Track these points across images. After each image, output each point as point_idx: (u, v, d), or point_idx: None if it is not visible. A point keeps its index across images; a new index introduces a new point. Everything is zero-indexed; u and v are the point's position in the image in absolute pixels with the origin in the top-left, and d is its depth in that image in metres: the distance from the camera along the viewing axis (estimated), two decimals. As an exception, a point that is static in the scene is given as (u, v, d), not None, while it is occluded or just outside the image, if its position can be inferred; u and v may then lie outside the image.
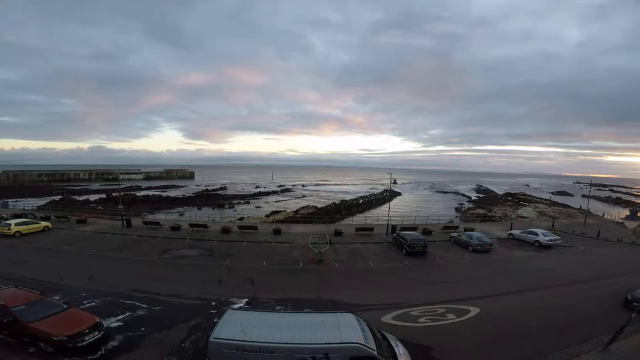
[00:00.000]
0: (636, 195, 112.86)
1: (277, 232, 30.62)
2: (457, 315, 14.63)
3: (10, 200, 55.98)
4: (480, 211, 59.72)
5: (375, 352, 9.14)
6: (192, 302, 15.68)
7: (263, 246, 26.64)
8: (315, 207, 63.30)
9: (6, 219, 30.59)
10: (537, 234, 29.21)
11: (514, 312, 15.18)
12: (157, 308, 14.86)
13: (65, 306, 12.63)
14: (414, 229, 31.67)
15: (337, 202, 73.40)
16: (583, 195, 66.64)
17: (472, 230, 31.34)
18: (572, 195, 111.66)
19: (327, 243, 23.69)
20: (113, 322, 13.34)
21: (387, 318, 14.28)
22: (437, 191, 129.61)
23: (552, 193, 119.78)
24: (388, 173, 61.93)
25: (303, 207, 63.05)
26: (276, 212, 56.25)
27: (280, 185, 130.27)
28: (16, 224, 27.79)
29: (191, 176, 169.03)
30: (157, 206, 63.03)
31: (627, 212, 56.08)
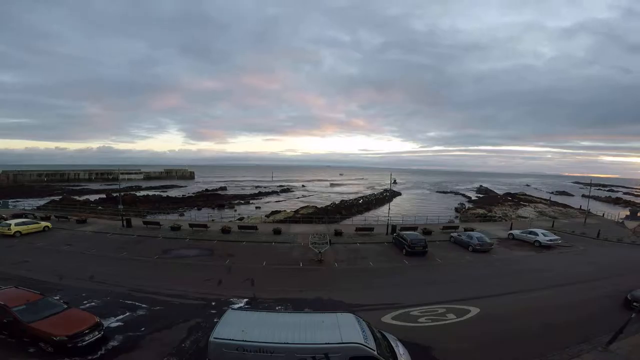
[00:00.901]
0: (636, 195, 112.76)
1: (277, 232, 30.62)
2: (457, 315, 14.64)
3: (10, 200, 56.05)
4: (480, 211, 59.65)
5: (375, 352, 9.14)
6: (192, 302, 15.69)
7: (263, 246, 26.65)
8: (315, 207, 63.24)
9: (6, 219, 30.60)
10: (537, 234, 29.21)
11: (514, 312, 15.20)
12: (157, 308, 14.87)
13: (65, 306, 12.63)
14: (414, 229, 31.68)
15: (337, 202, 73.35)
16: (583, 195, 66.64)
17: (472, 230, 31.36)
18: (572, 195, 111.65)
19: (327, 243, 23.70)
20: (113, 322, 13.34)
21: (387, 318, 14.28)
22: (437, 191, 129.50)
23: (552, 193, 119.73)
24: (389, 173, 61.90)
25: (303, 207, 62.99)
26: (276, 212, 56.22)
27: (280, 185, 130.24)
28: (16, 224, 27.80)
29: (191, 176, 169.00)
30: (157, 206, 63.00)
31: (627, 212, 56.08)
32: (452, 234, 30.10)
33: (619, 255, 26.66)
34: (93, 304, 15.02)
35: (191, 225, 32.63)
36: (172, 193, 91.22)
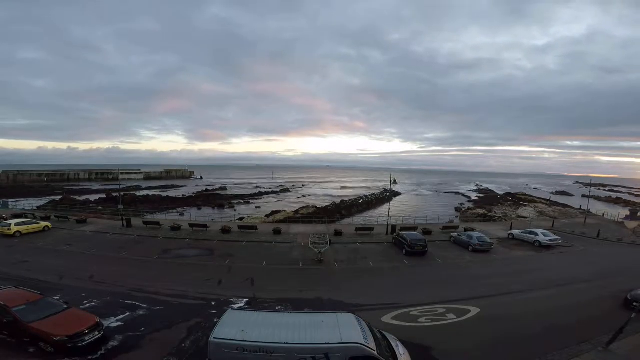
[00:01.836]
0: (636, 196, 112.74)
1: (277, 232, 30.62)
2: (457, 315, 14.63)
3: (10, 200, 55.98)
4: (480, 211, 59.67)
5: (375, 352, 9.14)
6: (192, 302, 15.68)
7: (263, 246, 26.65)
8: (315, 207, 63.24)
9: (6, 219, 30.59)
10: (537, 234, 29.20)
11: (513, 312, 15.19)
12: (157, 308, 14.86)
13: (65, 306, 12.61)
14: (414, 229, 31.67)
15: (337, 202, 73.36)
16: (583, 195, 66.59)
17: (472, 230, 31.35)
18: (572, 195, 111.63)
19: (327, 243, 23.70)
20: (113, 322, 13.33)
21: (387, 318, 14.27)
22: (437, 191, 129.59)
23: (552, 193, 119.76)
24: (388, 173, 61.89)
25: (303, 207, 63.01)
26: (276, 212, 56.23)
27: (280, 185, 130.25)
28: (16, 224, 27.78)
29: (191, 176, 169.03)
30: (157, 206, 63.01)
31: (627, 212, 56.09)
32: (452, 234, 30.10)
33: (619, 255, 26.66)
34: (93, 304, 15.01)
35: (191, 225, 32.63)
36: (172, 193, 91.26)
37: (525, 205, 69.40)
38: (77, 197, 71.35)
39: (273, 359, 8.89)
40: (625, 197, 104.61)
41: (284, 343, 8.99)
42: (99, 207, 53.14)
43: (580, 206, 61.61)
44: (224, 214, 58.07)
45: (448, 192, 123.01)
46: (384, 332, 11.23)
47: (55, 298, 13.61)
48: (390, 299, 16.42)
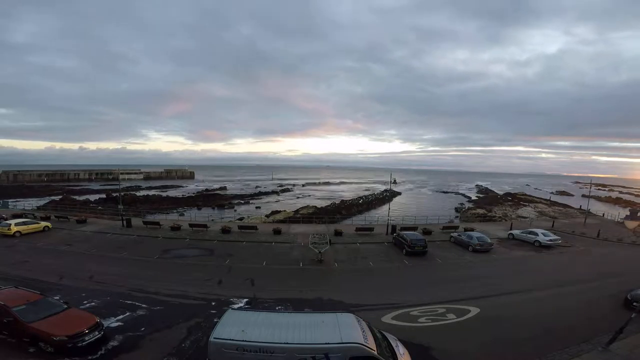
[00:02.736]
0: (636, 196, 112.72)
1: (277, 232, 30.62)
2: (457, 315, 14.64)
3: (10, 200, 56.04)
4: (480, 211, 59.66)
5: (375, 352, 9.14)
6: (192, 302, 15.69)
7: (263, 246, 26.64)
8: (315, 207, 63.27)
9: (6, 219, 30.58)
10: (537, 234, 29.21)
11: (513, 312, 15.19)
12: (157, 308, 14.86)
13: (65, 306, 12.61)
14: (414, 229, 31.67)
15: (337, 202, 73.38)
16: (583, 195, 66.57)
17: (472, 230, 31.34)
18: (572, 195, 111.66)
19: (327, 243, 23.68)
20: (113, 322, 13.34)
21: (387, 318, 14.28)
22: (437, 191, 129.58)
23: (552, 193, 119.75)
24: (388, 173, 61.90)
25: (303, 207, 63.02)
26: (276, 212, 56.24)
27: (280, 185, 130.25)
28: (16, 224, 27.78)
29: (191, 176, 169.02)
30: (157, 206, 63.02)
31: (627, 212, 56.05)
32: (452, 234, 30.09)
33: (619, 255, 26.65)
34: (93, 304, 15.00)
35: (191, 225, 32.63)
36: (172, 193, 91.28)
37: (525, 205, 69.41)
38: (77, 197, 71.37)
39: (273, 359, 8.88)
40: (625, 197, 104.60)
41: (284, 343, 8.99)
42: (99, 207, 53.16)
43: (580, 206, 61.61)
44: (224, 214, 58.12)
45: (448, 192, 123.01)
46: (384, 332, 11.23)
47: (55, 298, 13.62)
48: (390, 299, 16.42)
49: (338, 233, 30.72)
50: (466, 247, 26.95)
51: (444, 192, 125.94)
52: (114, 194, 67.52)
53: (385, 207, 58.87)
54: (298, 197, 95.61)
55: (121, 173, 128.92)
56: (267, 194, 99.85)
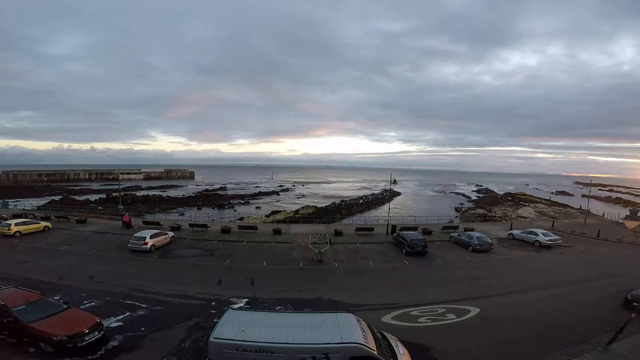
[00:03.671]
0: (636, 196, 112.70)
1: (277, 232, 30.63)
2: (457, 315, 14.64)
3: (10, 200, 56.03)
4: (480, 211, 59.67)
5: (375, 352, 9.14)
6: (192, 302, 15.69)
7: (263, 246, 26.65)
8: (315, 207, 63.25)
9: (6, 219, 30.59)
10: (537, 234, 29.21)
11: (513, 312, 15.19)
12: (157, 308, 14.87)
13: (65, 306, 12.62)
14: (414, 229, 31.66)
15: (337, 202, 73.33)
16: (583, 195, 66.58)
17: (472, 230, 31.35)
18: (572, 195, 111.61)
19: (327, 243, 23.69)
20: (113, 322, 13.34)
21: (387, 318, 14.28)
22: (437, 191, 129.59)
23: (552, 193, 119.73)
24: (388, 173, 61.87)
25: (303, 207, 63.03)
26: (276, 212, 56.26)
27: (280, 185, 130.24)
28: (16, 224, 27.80)
29: (191, 176, 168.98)
30: (157, 206, 63.03)
31: (627, 212, 56.00)
32: (452, 234, 30.10)
33: (619, 255, 26.64)
34: (93, 304, 15.02)
35: (191, 225, 32.64)
36: (172, 193, 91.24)
37: (525, 205, 69.34)
38: (77, 197, 71.34)
39: (273, 359, 8.89)
40: (625, 197, 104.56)
41: (284, 343, 8.99)
42: (99, 207, 53.13)
43: (580, 206, 61.60)
44: (224, 214, 58.08)
45: (448, 192, 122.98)
46: (384, 332, 11.24)
47: (55, 298, 13.61)
48: (390, 299, 16.42)
49: (338, 233, 30.72)
50: (466, 247, 26.95)
51: (443, 192, 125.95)
52: (114, 194, 67.48)
53: (385, 207, 58.88)
54: (298, 197, 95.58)
55: (121, 173, 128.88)
56: (267, 194, 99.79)
